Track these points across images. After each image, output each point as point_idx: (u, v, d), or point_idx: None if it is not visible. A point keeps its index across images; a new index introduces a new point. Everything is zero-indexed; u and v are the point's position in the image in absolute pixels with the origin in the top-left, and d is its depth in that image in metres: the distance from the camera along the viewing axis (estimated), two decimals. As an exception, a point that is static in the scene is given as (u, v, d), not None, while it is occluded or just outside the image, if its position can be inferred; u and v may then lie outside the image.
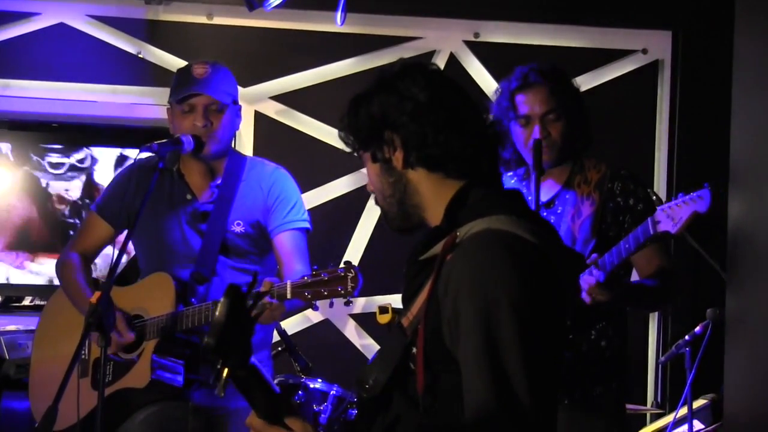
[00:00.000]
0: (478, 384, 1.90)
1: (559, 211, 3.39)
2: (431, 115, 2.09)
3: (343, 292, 3.11)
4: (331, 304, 3.14)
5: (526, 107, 3.35)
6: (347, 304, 3.14)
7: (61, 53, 5.21)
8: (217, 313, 1.84)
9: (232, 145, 4.53)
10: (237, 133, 5.18)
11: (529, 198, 3.40)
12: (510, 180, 3.53)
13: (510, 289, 1.92)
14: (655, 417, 5.09)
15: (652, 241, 3.16)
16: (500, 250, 1.96)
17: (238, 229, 3.54)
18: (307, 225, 3.59)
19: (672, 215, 3.04)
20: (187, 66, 3.62)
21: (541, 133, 3.31)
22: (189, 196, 3.58)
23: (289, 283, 3.18)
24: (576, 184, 3.39)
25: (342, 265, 3.14)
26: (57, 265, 3.77)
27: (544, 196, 3.40)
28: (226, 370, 1.86)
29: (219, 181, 3.58)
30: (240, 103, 4.88)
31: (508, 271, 1.94)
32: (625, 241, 3.13)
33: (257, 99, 5.30)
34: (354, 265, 3.13)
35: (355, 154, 2.20)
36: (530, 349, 1.90)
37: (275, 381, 4.01)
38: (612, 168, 3.41)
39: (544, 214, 3.38)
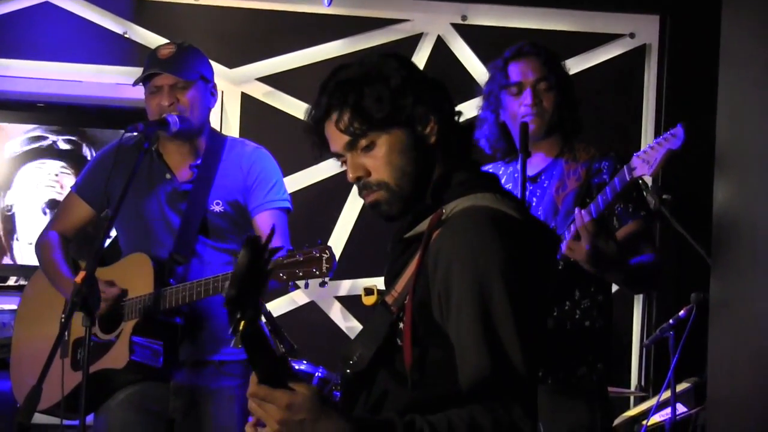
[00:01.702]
0: (474, 353, 1.97)
1: (545, 185, 3.41)
2: (443, 94, 2.21)
3: (317, 273, 3.12)
4: (306, 285, 3.14)
5: (518, 75, 3.39)
6: (322, 285, 3.14)
7: (47, 32, 5.18)
8: (238, 264, 1.84)
9: (219, 129, 4.53)
10: (223, 114, 5.18)
11: (516, 176, 3.41)
12: (498, 170, 3.55)
13: (499, 262, 2.00)
14: (639, 400, 5.11)
15: (629, 190, 3.19)
16: (487, 224, 2.04)
17: (217, 208, 3.53)
18: (287, 205, 3.59)
19: (647, 159, 3.10)
20: (156, 48, 3.62)
21: (532, 99, 3.33)
22: (168, 176, 3.57)
23: None
24: (564, 160, 3.41)
25: (317, 246, 3.13)
26: (36, 245, 3.76)
27: (532, 171, 3.42)
28: (243, 323, 1.84)
29: (198, 161, 3.57)
30: (227, 84, 4.86)
31: (497, 244, 2.01)
32: (602, 193, 3.16)
33: (244, 80, 5.28)
34: (329, 246, 3.14)
35: (357, 138, 2.16)
36: (521, 318, 1.98)
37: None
38: (601, 151, 3.43)
39: (530, 188, 3.40)
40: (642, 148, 3.15)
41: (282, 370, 1.97)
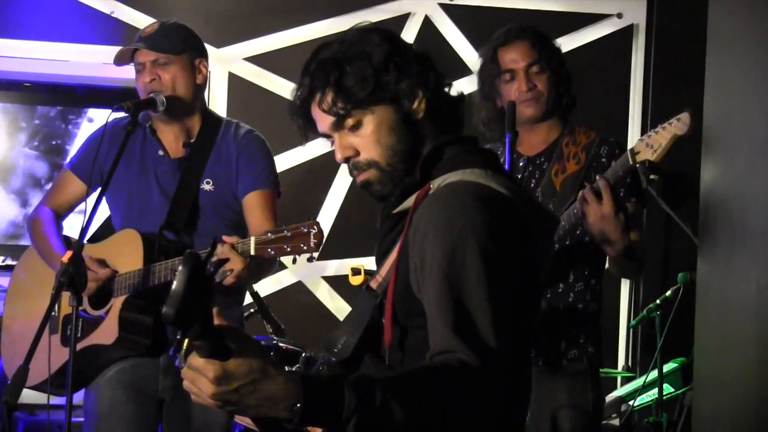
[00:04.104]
0: (439, 320, 1.89)
1: (544, 167, 3.40)
2: (429, 67, 2.14)
3: (305, 248, 3.10)
4: (294, 261, 3.14)
5: (509, 62, 3.36)
6: (310, 260, 3.14)
7: (33, 12, 5.15)
8: (175, 283, 1.73)
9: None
10: (210, 94, 5.17)
11: (514, 156, 3.41)
12: (497, 151, 3.55)
13: (477, 232, 1.92)
14: (626, 380, 5.13)
15: (627, 175, 3.17)
16: (470, 197, 1.97)
17: (207, 187, 3.53)
18: (277, 188, 3.59)
19: (651, 143, 3.03)
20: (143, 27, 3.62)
21: (526, 85, 3.32)
22: (161, 153, 3.57)
23: (252, 239, 3.17)
24: (564, 144, 3.40)
25: (305, 221, 3.12)
26: (28, 220, 3.76)
27: (532, 152, 3.41)
28: (186, 341, 1.75)
29: (192, 140, 3.57)
30: (214, 64, 4.82)
31: (477, 215, 1.94)
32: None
33: (231, 60, 5.27)
34: (316, 222, 3.12)
35: (342, 118, 2.11)
36: (494, 289, 1.89)
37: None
38: (602, 135, 3.42)
39: (530, 169, 3.40)
40: (628, 128, 3.13)
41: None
